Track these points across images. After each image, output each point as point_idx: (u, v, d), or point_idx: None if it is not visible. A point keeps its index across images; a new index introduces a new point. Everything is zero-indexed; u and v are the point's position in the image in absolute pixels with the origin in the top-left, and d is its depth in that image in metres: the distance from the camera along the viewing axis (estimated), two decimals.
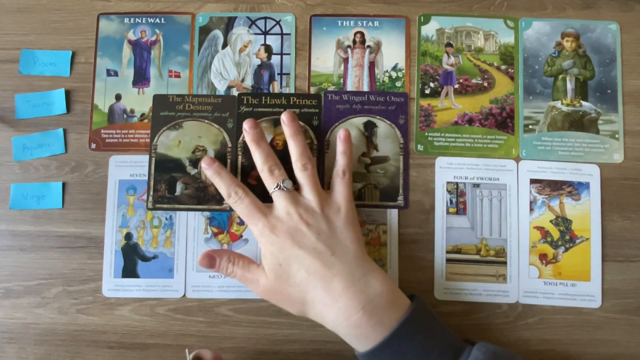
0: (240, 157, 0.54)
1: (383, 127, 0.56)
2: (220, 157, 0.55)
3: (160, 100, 0.56)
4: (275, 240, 0.45)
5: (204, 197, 0.54)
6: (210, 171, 0.50)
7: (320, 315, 0.45)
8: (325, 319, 0.45)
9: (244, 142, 0.54)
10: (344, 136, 0.50)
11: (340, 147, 0.50)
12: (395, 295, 0.45)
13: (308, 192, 0.47)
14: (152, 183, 0.55)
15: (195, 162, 0.55)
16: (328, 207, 0.47)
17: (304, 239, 0.45)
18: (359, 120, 0.56)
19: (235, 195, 0.48)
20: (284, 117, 0.49)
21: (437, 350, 0.43)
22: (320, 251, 0.45)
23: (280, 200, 0.47)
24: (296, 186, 0.49)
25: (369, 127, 0.56)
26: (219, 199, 0.53)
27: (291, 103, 0.56)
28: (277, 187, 0.47)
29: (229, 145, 0.55)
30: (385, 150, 0.56)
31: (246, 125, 0.50)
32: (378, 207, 0.55)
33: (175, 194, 0.54)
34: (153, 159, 0.55)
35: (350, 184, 0.50)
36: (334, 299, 0.43)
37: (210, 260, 0.49)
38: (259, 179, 0.53)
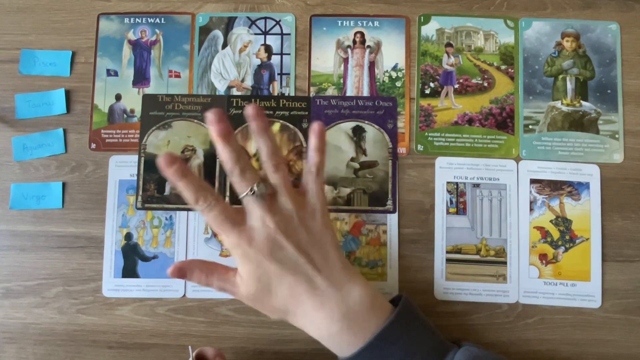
0: None
1: (372, 131, 0.56)
2: (210, 158, 0.55)
3: (149, 100, 0.56)
4: (253, 254, 0.41)
5: None
6: (170, 172, 0.39)
7: (302, 323, 0.44)
8: (307, 328, 0.44)
9: None
10: (318, 130, 0.43)
11: (312, 142, 0.43)
12: (376, 301, 0.44)
13: (282, 197, 0.42)
14: (141, 183, 0.55)
15: (184, 162, 0.55)
16: (304, 211, 0.43)
17: (282, 252, 0.41)
18: (348, 125, 0.56)
19: (203, 202, 0.41)
20: (250, 111, 0.40)
21: (420, 354, 0.42)
22: (300, 264, 0.42)
23: (254, 208, 0.41)
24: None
25: (358, 132, 0.56)
26: None
27: (280, 105, 0.56)
28: (250, 191, 0.41)
29: None
30: (373, 155, 0.56)
31: (211, 116, 0.39)
32: (367, 212, 0.55)
33: (165, 193, 0.55)
34: (142, 158, 0.55)
35: (324, 183, 0.47)
36: (316, 310, 0.42)
37: (180, 272, 0.43)
38: None
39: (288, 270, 0.42)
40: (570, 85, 0.57)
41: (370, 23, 0.58)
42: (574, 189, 0.55)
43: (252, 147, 0.56)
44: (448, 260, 0.54)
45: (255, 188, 0.41)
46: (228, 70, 0.58)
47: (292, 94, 0.57)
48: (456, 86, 0.57)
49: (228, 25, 0.58)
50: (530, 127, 0.56)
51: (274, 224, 0.41)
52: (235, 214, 0.42)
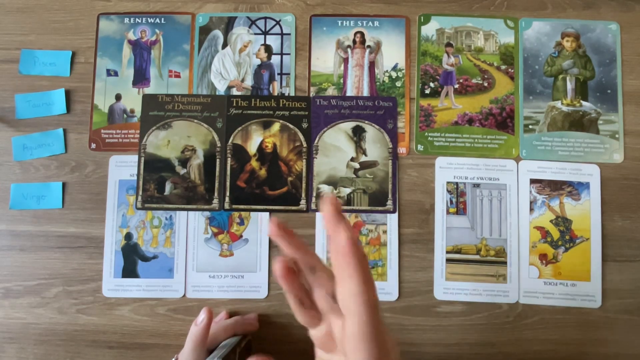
0: (229, 159, 0.55)
1: (372, 131, 0.56)
2: (210, 157, 0.55)
3: (149, 100, 0.57)
4: None
5: (193, 196, 0.54)
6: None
7: None
8: None
9: (234, 144, 0.55)
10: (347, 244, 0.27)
11: (344, 265, 0.28)
12: None
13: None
14: (141, 183, 0.55)
15: (184, 162, 0.55)
16: None
17: None
18: (348, 125, 0.56)
19: None
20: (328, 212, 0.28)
21: None
22: None
23: None
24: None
25: (358, 132, 0.56)
26: (208, 199, 0.53)
27: (280, 105, 0.56)
28: None
29: (218, 145, 0.55)
30: (374, 155, 0.56)
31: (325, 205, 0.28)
32: (367, 212, 0.55)
33: (165, 193, 0.55)
34: (142, 158, 0.55)
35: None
36: None
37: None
38: (247, 181, 0.54)
39: None
40: (570, 85, 0.57)
41: (370, 23, 0.58)
42: (574, 189, 0.55)
43: (251, 147, 0.56)
44: (448, 260, 0.54)
45: None
46: (228, 70, 0.58)
47: (292, 94, 0.57)
48: (456, 86, 0.57)
49: (228, 25, 0.58)
50: (530, 127, 0.56)
51: None
52: None
